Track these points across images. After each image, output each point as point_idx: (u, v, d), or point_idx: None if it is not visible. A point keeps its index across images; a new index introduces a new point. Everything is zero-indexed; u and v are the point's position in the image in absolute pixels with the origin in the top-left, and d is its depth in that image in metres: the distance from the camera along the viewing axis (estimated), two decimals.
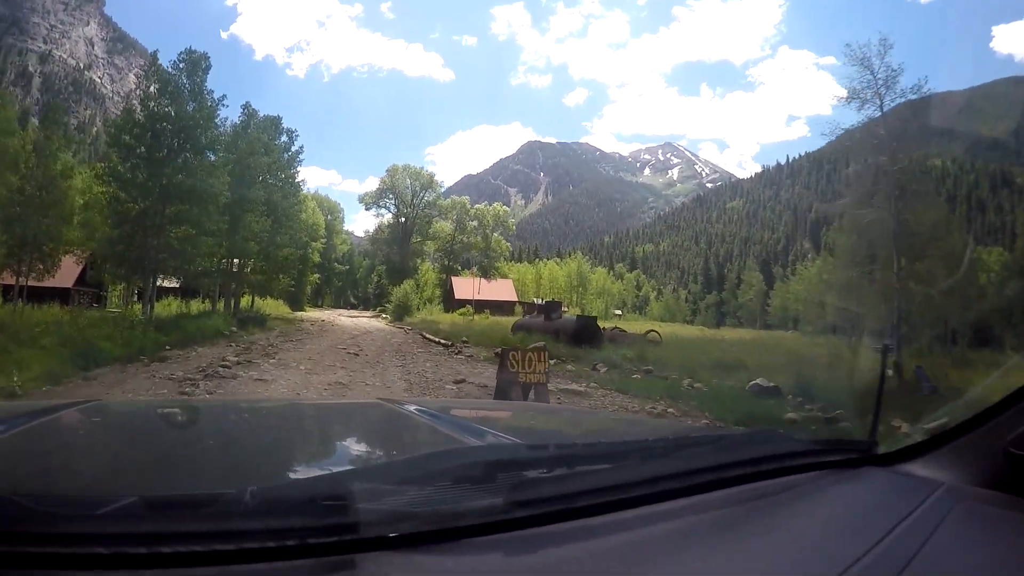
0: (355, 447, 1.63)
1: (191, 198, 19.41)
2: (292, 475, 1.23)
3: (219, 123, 22.27)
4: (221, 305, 29.65)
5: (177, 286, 32.50)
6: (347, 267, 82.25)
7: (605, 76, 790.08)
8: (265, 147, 28.93)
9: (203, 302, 31.41)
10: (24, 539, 0.68)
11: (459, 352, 17.34)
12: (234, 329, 20.06)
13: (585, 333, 18.98)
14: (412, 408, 1.79)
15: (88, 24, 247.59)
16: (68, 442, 1.39)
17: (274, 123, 32.28)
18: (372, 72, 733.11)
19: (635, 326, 30.29)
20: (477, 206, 73.05)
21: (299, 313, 44.40)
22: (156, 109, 20.28)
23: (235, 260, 29.55)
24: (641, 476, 0.99)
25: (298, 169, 33.98)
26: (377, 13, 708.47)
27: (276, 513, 0.73)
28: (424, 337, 23.63)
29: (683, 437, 1.43)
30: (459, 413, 1.94)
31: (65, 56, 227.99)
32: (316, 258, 52.66)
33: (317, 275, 56.29)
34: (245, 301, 34.32)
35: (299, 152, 33.77)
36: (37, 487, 0.96)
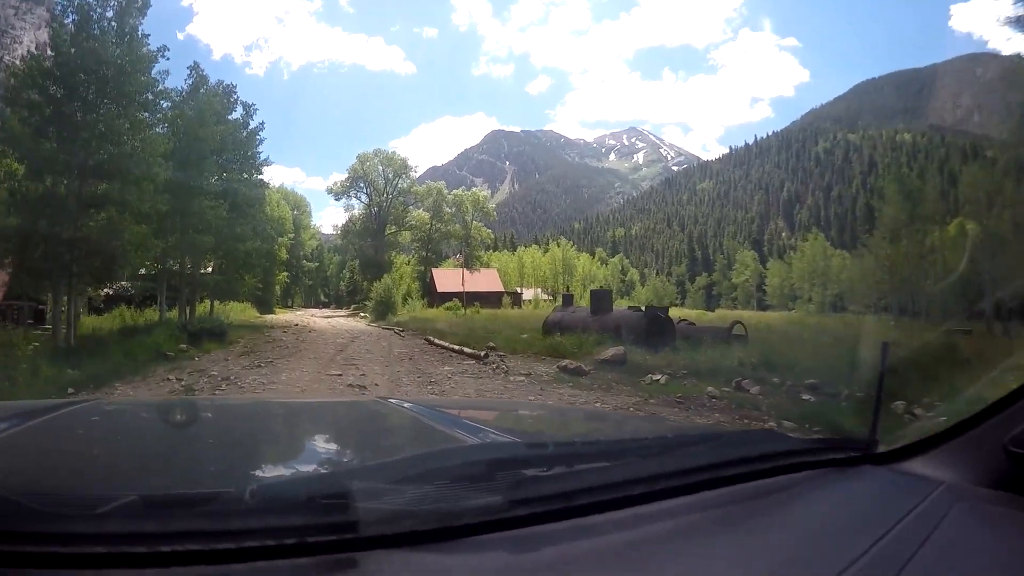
0: (354, 446, 1.57)
1: (115, 168, 14.11)
2: (291, 474, 1.19)
3: (159, 77, 16.78)
4: (175, 313, 24.18)
5: (131, 293, 26.99)
6: (316, 264, 76.60)
7: (567, 63, 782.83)
8: (217, 116, 23.44)
9: (157, 310, 25.80)
10: (23, 538, 0.68)
11: (504, 369, 12.35)
12: (183, 347, 14.56)
13: (658, 330, 14.47)
14: (411, 407, 1.77)
15: (40, 28, 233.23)
16: (67, 441, 1.36)
17: (228, 91, 26.72)
18: (333, 68, 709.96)
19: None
20: (455, 191, 67.87)
21: (268, 317, 39.06)
22: (72, 54, 14.87)
23: (187, 258, 24.20)
24: (640, 474, 0.98)
25: (259, 148, 28.57)
26: (336, 7, 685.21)
27: (276, 512, 0.73)
28: (431, 343, 18.66)
29: (682, 435, 1.43)
30: (458, 412, 1.86)
31: (15, 61, 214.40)
32: (284, 255, 47.31)
33: (286, 273, 50.83)
34: (204, 307, 28.90)
35: (259, 129, 28.28)
36: (36, 486, 0.94)
